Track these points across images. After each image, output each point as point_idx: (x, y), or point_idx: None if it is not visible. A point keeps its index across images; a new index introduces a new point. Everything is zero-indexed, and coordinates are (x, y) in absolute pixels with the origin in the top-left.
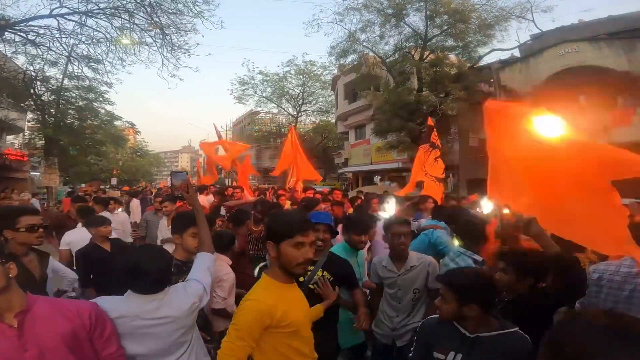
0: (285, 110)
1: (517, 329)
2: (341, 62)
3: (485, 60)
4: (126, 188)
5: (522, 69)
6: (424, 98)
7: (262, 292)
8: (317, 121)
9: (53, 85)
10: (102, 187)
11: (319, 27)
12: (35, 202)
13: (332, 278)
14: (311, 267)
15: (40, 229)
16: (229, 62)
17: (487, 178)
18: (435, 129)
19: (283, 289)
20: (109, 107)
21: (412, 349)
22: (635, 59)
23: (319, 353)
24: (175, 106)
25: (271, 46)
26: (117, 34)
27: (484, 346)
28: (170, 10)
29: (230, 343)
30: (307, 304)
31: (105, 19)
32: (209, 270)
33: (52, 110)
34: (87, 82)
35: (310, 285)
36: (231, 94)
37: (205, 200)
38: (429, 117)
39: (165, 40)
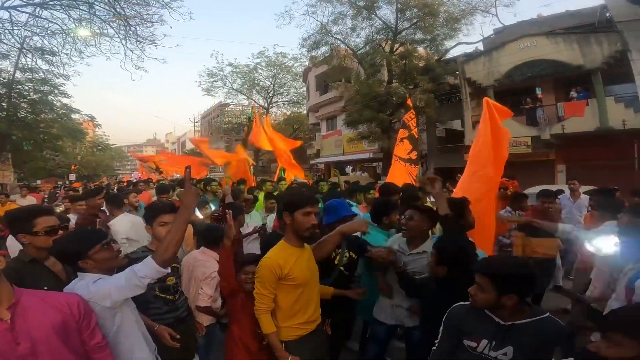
0: (255, 102)
1: (548, 314)
2: (313, 53)
3: (452, 53)
4: (77, 185)
5: (485, 62)
6: (394, 89)
7: (276, 252)
8: (289, 113)
9: (4, 78)
10: (59, 183)
11: (290, 19)
12: None
13: (355, 257)
14: (338, 250)
15: (60, 231)
16: (197, 53)
17: (455, 167)
18: (412, 109)
19: (293, 251)
20: (65, 100)
21: (438, 338)
22: (589, 53)
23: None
24: (140, 99)
25: (242, 38)
26: (75, 25)
27: (519, 333)
28: (134, 1)
29: (259, 295)
30: (315, 266)
31: (62, 11)
32: (133, 279)
33: (3, 104)
34: (42, 74)
35: (341, 268)
36: (199, 85)
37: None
38: (409, 97)
39: (130, 31)
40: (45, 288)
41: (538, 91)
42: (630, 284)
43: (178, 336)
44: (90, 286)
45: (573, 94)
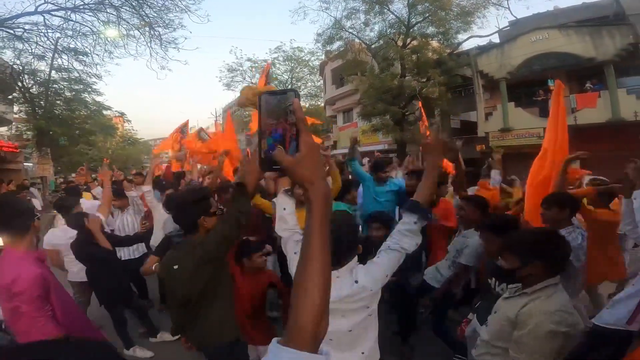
0: None
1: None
2: (328, 48)
3: (466, 46)
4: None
5: (498, 55)
6: (407, 83)
7: None
8: (307, 105)
9: (41, 78)
10: (93, 176)
11: (305, 15)
12: (34, 192)
13: None
14: None
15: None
16: (217, 50)
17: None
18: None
19: None
20: (98, 98)
21: None
22: (601, 46)
23: None
24: (164, 94)
25: (259, 34)
26: (104, 27)
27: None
28: (156, 6)
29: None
30: None
31: (90, 14)
32: None
33: (41, 102)
34: (76, 74)
35: None
36: (220, 81)
37: None
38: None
39: (154, 34)
40: None
41: (550, 83)
42: None
43: None
44: None
45: (588, 85)
